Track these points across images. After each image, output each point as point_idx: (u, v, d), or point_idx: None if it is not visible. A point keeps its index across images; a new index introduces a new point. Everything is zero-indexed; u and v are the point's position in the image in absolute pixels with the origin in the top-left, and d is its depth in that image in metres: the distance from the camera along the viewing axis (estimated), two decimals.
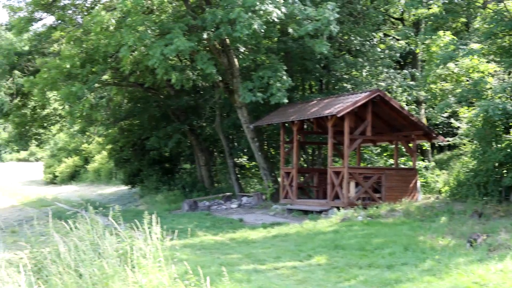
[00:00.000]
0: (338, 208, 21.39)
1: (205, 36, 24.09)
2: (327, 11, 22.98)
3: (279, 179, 27.17)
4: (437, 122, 29.97)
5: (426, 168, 27.56)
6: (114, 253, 9.03)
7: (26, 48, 34.04)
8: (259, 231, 19.03)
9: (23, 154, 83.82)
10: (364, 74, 30.69)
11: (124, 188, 42.63)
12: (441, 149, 35.85)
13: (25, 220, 28.18)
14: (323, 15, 22.88)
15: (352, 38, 30.26)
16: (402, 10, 32.85)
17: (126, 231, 10.01)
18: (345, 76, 30.87)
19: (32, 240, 10.39)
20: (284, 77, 25.08)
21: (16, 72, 34.39)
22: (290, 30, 24.81)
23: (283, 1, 23.31)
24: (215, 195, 30.61)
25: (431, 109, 29.50)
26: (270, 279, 11.80)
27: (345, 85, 30.26)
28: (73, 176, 55.29)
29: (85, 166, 54.32)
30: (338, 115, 21.68)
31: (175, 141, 32.87)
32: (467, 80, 23.50)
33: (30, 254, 10.10)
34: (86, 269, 8.44)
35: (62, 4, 31.11)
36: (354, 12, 29.54)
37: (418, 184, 24.38)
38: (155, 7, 26.70)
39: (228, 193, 30.16)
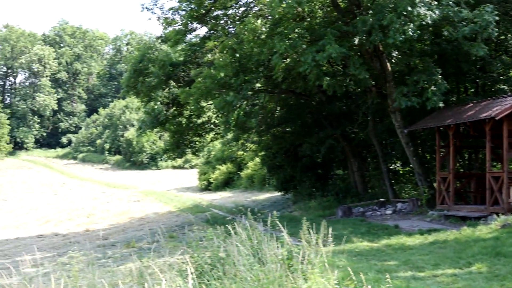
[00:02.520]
0: (497, 214, 20.56)
1: (356, 41, 23.85)
2: (485, 13, 22.13)
3: (435, 185, 26.50)
4: None
5: None
6: (274, 258, 9.06)
7: (181, 58, 35.09)
8: (416, 238, 18.66)
9: (179, 161, 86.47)
10: None
11: (277, 194, 43.00)
12: None
13: (182, 226, 29.15)
14: (481, 17, 22.06)
15: (509, 38, 29.11)
16: None
17: (284, 237, 10.03)
18: (502, 77, 29.74)
19: (193, 245, 10.62)
20: (439, 81, 24.43)
21: (172, 82, 35.47)
22: (445, 33, 24.18)
23: (436, 2, 22.73)
24: (369, 201, 30.31)
25: None
26: (430, 287, 11.52)
27: (502, 86, 29.12)
28: (227, 183, 56.37)
29: (239, 172, 55.22)
30: (496, 118, 20.83)
31: (327, 147, 32.77)
32: None
33: (191, 259, 10.30)
34: (247, 274, 8.52)
35: (214, 14, 31.85)
36: (511, 11, 28.34)
37: None
38: (305, 14, 26.76)
39: (382, 199, 29.79)
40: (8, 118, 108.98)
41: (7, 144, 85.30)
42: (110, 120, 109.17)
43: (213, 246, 10.34)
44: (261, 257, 9.46)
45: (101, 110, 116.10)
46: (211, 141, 41.96)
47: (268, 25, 26.00)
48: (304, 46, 23.88)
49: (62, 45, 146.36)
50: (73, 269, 10.19)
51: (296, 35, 24.27)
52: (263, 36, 25.70)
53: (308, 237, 9.88)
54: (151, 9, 32.44)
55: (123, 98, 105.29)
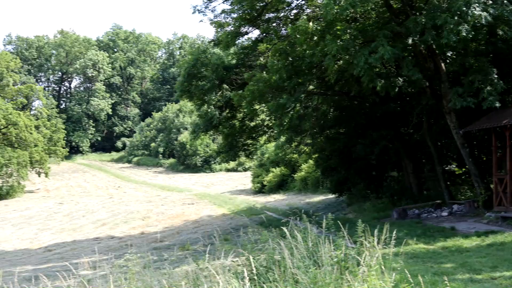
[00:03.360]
0: None
1: (410, 42, 23.61)
2: None
3: (492, 186, 26.07)
4: None
5: None
6: (329, 260, 9.04)
7: (234, 62, 35.19)
8: (473, 240, 18.41)
9: (232, 164, 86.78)
10: None
11: (331, 196, 42.83)
12: None
13: (236, 228, 29.22)
14: None
15: None
16: None
17: (340, 239, 10.01)
18: None
19: (248, 247, 10.65)
20: (495, 80, 24.03)
21: (225, 85, 35.60)
22: (500, 32, 23.79)
23: (491, 1, 22.39)
24: (424, 203, 29.95)
25: None
26: None
27: None
28: (281, 185, 56.35)
29: (292, 175, 55.19)
30: None
31: (381, 148, 32.52)
32: None
33: (246, 261, 10.33)
34: (303, 276, 8.52)
35: (266, 17, 31.89)
36: None
37: None
38: (358, 15, 26.61)
39: (437, 201, 29.42)
40: (64, 123, 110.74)
41: (63, 148, 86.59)
42: (164, 123, 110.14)
43: (268, 249, 10.37)
44: (317, 260, 9.45)
45: (154, 114, 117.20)
46: (265, 143, 42.03)
47: (320, 27, 25.91)
48: (357, 48, 23.77)
49: (115, 50, 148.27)
50: (130, 271, 10.33)
51: (348, 37, 24.16)
52: (315, 38, 25.62)
53: (364, 240, 9.85)
54: (202, 11, 32.60)
55: (177, 102, 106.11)
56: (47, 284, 9.95)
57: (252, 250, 10.64)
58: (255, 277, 9.15)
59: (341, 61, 26.07)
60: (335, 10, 22.83)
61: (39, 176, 79.32)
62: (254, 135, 38.97)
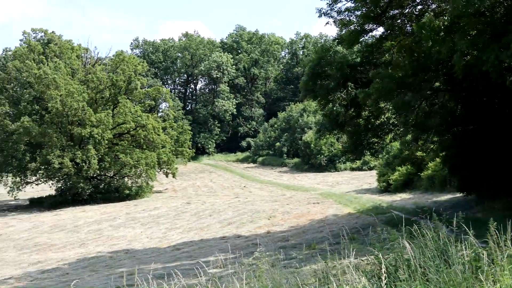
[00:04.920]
0: None
1: None
2: None
3: None
4: None
5: None
6: (460, 260, 8.89)
7: (358, 60, 34.97)
8: None
9: (357, 163, 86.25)
10: None
11: (459, 195, 41.84)
12: None
13: (362, 228, 29.07)
14: None
15: None
16: None
17: (470, 238, 9.82)
18: None
19: (377, 246, 10.60)
20: None
21: (350, 83, 35.40)
22: None
23: None
24: None
25: None
26: None
27: None
28: (407, 184, 55.48)
29: (419, 173, 54.23)
30: None
31: None
32: None
33: (374, 260, 10.30)
34: (433, 275, 8.42)
35: (391, 14, 31.52)
36: None
37: None
38: (485, 9, 25.85)
39: None
40: (190, 124, 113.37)
41: (190, 149, 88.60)
42: (288, 123, 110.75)
43: (397, 248, 10.29)
44: (447, 259, 9.30)
45: (279, 114, 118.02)
46: (390, 142, 41.47)
47: (446, 23, 25.35)
48: (485, 43, 23.10)
49: (239, 51, 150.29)
50: (259, 270, 10.50)
51: (476, 32, 23.53)
52: (441, 34, 25.09)
53: (496, 239, 9.62)
54: (328, 13, 32.57)
55: (301, 101, 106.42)
56: (181, 281, 10.26)
57: (381, 249, 10.58)
58: (385, 276, 9.10)
59: (469, 57, 25.39)
60: (463, 3, 22.29)
61: (167, 176, 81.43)
62: (379, 133, 38.52)
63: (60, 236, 45.93)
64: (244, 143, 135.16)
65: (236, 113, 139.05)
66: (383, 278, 7.86)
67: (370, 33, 33.29)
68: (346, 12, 32.15)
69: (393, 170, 57.73)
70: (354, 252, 11.02)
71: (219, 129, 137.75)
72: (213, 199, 63.73)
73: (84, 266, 31.98)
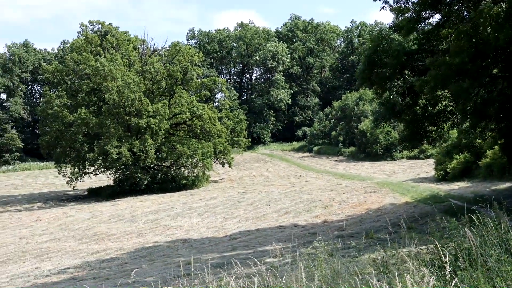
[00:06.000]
0: None
1: None
2: None
3: None
4: None
5: None
6: None
7: (414, 47, 34.60)
8: None
9: (414, 151, 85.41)
10: None
11: None
12: None
13: (420, 216, 28.85)
14: None
15: None
16: None
17: None
18: None
19: (437, 235, 10.54)
20: None
21: (406, 71, 35.05)
22: None
23: None
24: None
25: None
26: None
27: None
28: (465, 172, 54.75)
29: (477, 162, 53.49)
30: None
31: None
32: None
33: (434, 249, 10.23)
34: (495, 264, 8.35)
35: (448, 1, 31.08)
36: None
37: None
38: None
39: None
40: (246, 114, 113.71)
41: (246, 138, 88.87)
42: (344, 112, 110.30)
43: (457, 237, 10.20)
44: (509, 247, 9.20)
45: (334, 103, 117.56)
46: (448, 130, 40.93)
47: (505, 9, 24.91)
48: None
49: (294, 40, 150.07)
50: (318, 259, 10.53)
51: None
52: (500, 20, 24.68)
53: None
54: None
55: (357, 90, 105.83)
56: (240, 271, 10.35)
57: (441, 238, 10.51)
58: (445, 265, 9.04)
59: None
60: None
61: (223, 166, 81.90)
62: (436, 121, 38.06)
63: (118, 226, 46.62)
64: (299, 132, 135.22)
65: (291, 102, 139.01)
66: (447, 267, 7.80)
67: (427, 20, 32.89)
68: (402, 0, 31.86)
69: (450, 158, 57.05)
70: (413, 241, 10.97)
71: (275, 119, 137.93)
72: (269, 188, 63.87)
73: (142, 256, 32.40)
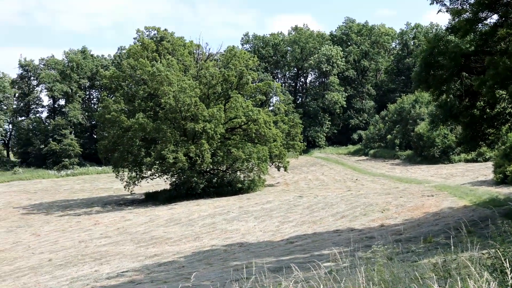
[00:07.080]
0: None
1: None
2: None
3: None
4: None
5: None
6: None
7: (472, 49, 34.12)
8: None
9: (471, 154, 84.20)
10: None
11: None
12: None
13: (480, 220, 28.41)
14: None
15: None
16: None
17: None
18: None
19: (498, 239, 10.36)
20: None
21: (464, 73, 34.60)
22: None
23: None
24: None
25: None
26: None
27: None
28: None
29: None
30: None
31: None
32: None
33: (496, 254, 10.06)
34: None
35: (505, 1, 30.62)
36: None
37: None
38: None
39: None
40: (301, 117, 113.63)
41: (301, 142, 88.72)
42: (400, 115, 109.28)
43: None
44: None
45: (390, 105, 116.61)
46: (506, 132, 40.28)
47: None
48: None
49: (349, 43, 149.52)
50: (377, 263, 10.45)
51: None
52: None
53: None
54: (440, 1, 31.97)
55: (413, 92, 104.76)
56: (299, 275, 10.33)
57: (502, 242, 10.33)
58: (507, 271, 8.90)
59: None
60: None
61: (278, 170, 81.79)
62: (495, 123, 37.47)
63: (175, 229, 46.97)
64: (355, 136, 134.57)
65: (346, 105, 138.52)
66: (508, 272, 7.67)
67: (484, 21, 32.43)
68: (459, 0, 31.46)
69: (510, 161, 56.01)
70: (473, 245, 10.80)
71: (330, 122, 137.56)
72: (325, 192, 63.64)
73: (199, 259, 32.59)
